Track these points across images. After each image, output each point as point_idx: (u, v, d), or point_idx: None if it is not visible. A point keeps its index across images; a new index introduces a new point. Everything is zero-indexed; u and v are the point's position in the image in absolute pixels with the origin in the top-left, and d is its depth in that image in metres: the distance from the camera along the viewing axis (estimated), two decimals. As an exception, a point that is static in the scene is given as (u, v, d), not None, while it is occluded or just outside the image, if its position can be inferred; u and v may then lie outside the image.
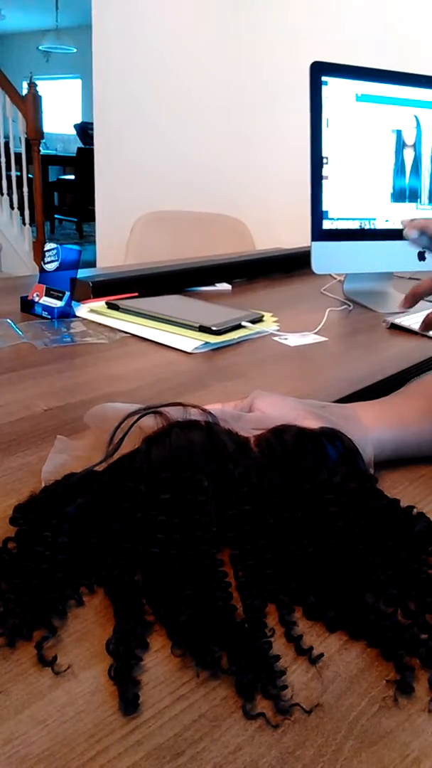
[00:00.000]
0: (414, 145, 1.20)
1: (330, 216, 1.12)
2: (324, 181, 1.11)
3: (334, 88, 1.10)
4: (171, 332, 0.93)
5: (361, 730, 0.32)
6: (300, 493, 0.46)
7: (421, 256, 1.23)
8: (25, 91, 4.15)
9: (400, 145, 1.18)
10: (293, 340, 0.97)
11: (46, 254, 1.03)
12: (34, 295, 1.02)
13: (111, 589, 0.39)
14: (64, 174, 7.63)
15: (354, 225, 1.15)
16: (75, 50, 7.93)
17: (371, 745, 0.31)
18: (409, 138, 1.19)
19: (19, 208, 4.53)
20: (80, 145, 7.14)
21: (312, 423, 0.53)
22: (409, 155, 1.20)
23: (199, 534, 0.42)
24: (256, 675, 0.34)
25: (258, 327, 0.99)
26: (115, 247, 2.37)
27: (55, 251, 1.02)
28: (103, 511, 0.44)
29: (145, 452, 0.47)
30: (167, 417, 0.50)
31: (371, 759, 0.30)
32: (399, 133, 1.18)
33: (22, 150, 4.38)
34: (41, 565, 0.39)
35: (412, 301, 0.72)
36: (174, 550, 0.41)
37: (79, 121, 8.04)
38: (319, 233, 1.12)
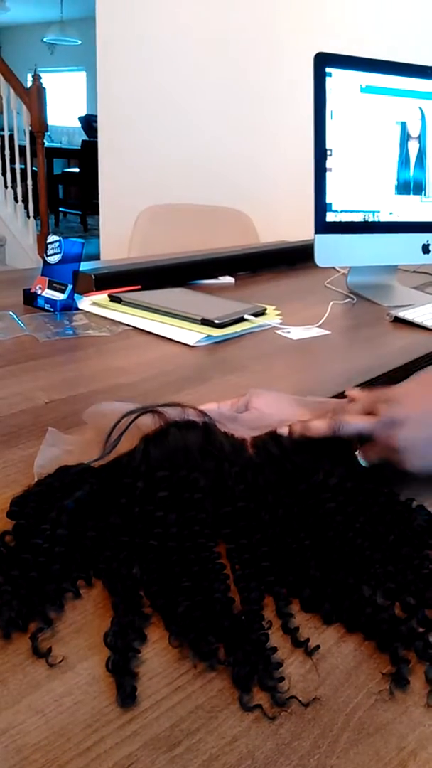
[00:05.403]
0: (419, 137, 1.19)
1: (334, 208, 1.12)
2: (328, 174, 1.10)
3: (338, 79, 1.09)
4: (173, 325, 0.93)
5: (357, 722, 0.32)
6: (296, 492, 0.46)
7: (426, 249, 1.23)
8: (29, 84, 4.13)
9: (405, 137, 1.17)
10: (296, 333, 0.96)
11: (49, 246, 1.03)
12: (37, 287, 1.02)
13: (109, 582, 0.39)
14: (69, 167, 7.61)
15: (358, 217, 1.15)
16: (80, 42, 7.89)
17: (368, 737, 0.31)
18: (414, 130, 1.18)
19: (23, 201, 4.52)
20: (85, 137, 7.12)
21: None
22: (413, 147, 1.19)
23: (197, 528, 0.42)
24: (253, 667, 0.34)
25: (261, 320, 0.99)
26: (119, 240, 2.36)
27: (57, 244, 1.02)
28: (101, 505, 0.44)
29: (143, 451, 0.47)
30: (165, 416, 0.50)
31: (368, 751, 0.30)
32: (404, 125, 1.17)
33: (27, 143, 4.37)
34: (39, 558, 0.39)
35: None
36: (171, 543, 0.41)
37: (83, 113, 8.01)
38: (323, 226, 1.11)
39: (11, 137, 4.44)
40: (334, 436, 0.50)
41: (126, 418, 0.50)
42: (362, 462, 0.50)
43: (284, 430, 0.52)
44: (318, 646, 0.36)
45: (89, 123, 7.11)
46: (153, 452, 0.47)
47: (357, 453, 0.51)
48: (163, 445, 0.47)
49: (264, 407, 0.56)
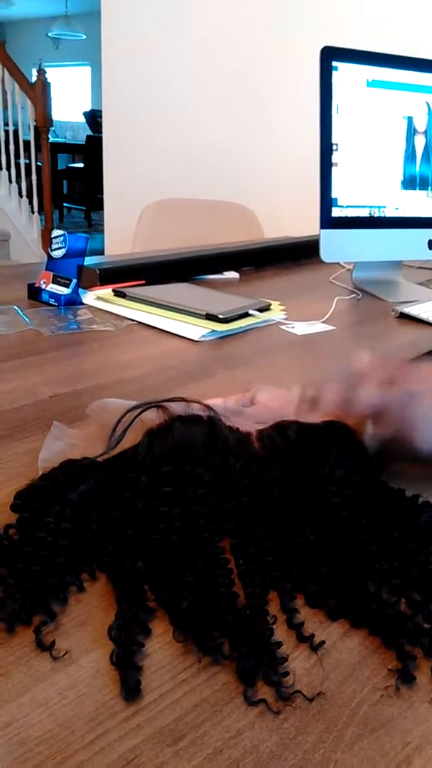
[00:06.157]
0: (425, 132, 1.19)
1: (339, 203, 1.11)
2: (333, 168, 1.10)
3: (344, 73, 1.08)
4: (178, 320, 0.93)
5: (362, 717, 0.32)
6: (301, 486, 0.46)
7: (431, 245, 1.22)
8: (34, 78, 4.13)
9: (411, 131, 1.17)
10: (300, 328, 0.96)
11: (53, 241, 1.03)
12: (41, 282, 1.02)
13: (113, 575, 0.39)
14: (73, 162, 7.61)
15: (363, 213, 1.14)
16: (84, 37, 7.89)
17: (372, 732, 0.31)
18: (421, 124, 1.18)
19: (27, 196, 4.52)
20: (89, 132, 7.11)
21: (314, 416, 0.52)
22: (420, 142, 1.18)
23: (201, 523, 0.42)
24: (258, 661, 0.34)
25: (265, 315, 0.98)
26: (123, 235, 2.36)
27: (62, 238, 1.02)
28: (105, 499, 0.44)
29: (147, 445, 0.47)
30: (169, 411, 0.50)
31: (372, 746, 0.30)
32: (410, 119, 1.16)
33: (31, 138, 4.37)
34: (42, 551, 0.39)
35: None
36: (176, 538, 0.41)
37: (88, 108, 8.00)
38: (328, 221, 1.11)
39: (16, 132, 4.44)
40: (344, 414, 0.50)
41: (130, 413, 0.50)
42: (370, 431, 0.49)
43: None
44: (323, 641, 0.36)
45: (94, 118, 7.11)
46: (157, 447, 0.47)
47: (368, 424, 0.50)
48: (168, 440, 0.47)
49: (269, 402, 0.56)
